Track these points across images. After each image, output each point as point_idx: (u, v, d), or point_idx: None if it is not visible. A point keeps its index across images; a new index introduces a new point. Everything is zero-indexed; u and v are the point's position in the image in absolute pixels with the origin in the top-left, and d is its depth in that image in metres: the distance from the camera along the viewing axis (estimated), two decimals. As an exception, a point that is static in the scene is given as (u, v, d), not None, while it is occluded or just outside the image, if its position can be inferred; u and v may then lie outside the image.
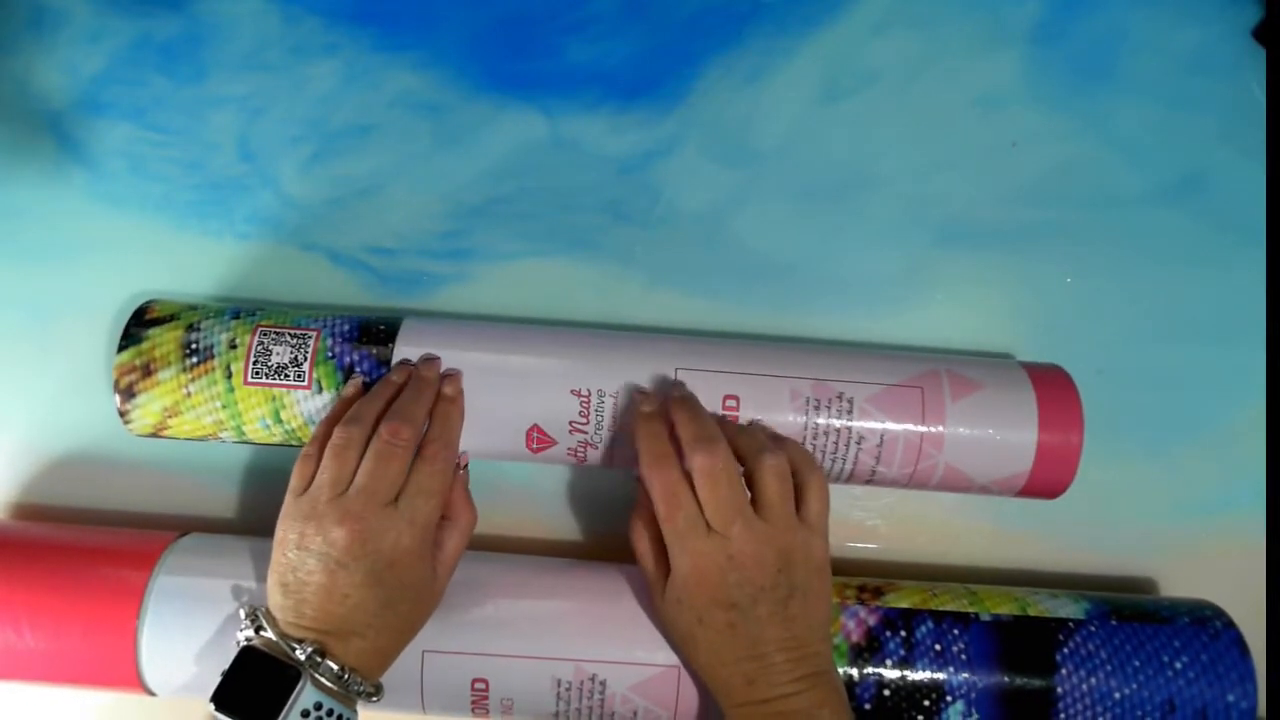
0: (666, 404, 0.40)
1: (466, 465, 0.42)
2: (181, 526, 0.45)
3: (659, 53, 0.48)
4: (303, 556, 0.36)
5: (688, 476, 0.37)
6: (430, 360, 0.41)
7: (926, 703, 0.40)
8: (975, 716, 0.40)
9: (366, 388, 0.41)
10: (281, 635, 0.35)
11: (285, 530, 0.37)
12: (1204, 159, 0.47)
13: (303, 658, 0.35)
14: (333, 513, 0.36)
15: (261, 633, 0.36)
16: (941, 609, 0.42)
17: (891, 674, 0.40)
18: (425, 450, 0.39)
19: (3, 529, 0.46)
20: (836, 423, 0.41)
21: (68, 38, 0.48)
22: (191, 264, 0.48)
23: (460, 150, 0.48)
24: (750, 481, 0.38)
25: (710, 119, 0.48)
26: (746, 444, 0.38)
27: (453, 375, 0.41)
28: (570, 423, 0.41)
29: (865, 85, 0.48)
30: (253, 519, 0.49)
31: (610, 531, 0.48)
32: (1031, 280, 0.48)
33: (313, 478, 0.38)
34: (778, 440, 0.40)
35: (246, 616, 0.36)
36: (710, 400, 0.41)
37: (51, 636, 0.41)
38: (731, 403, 0.41)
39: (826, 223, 0.48)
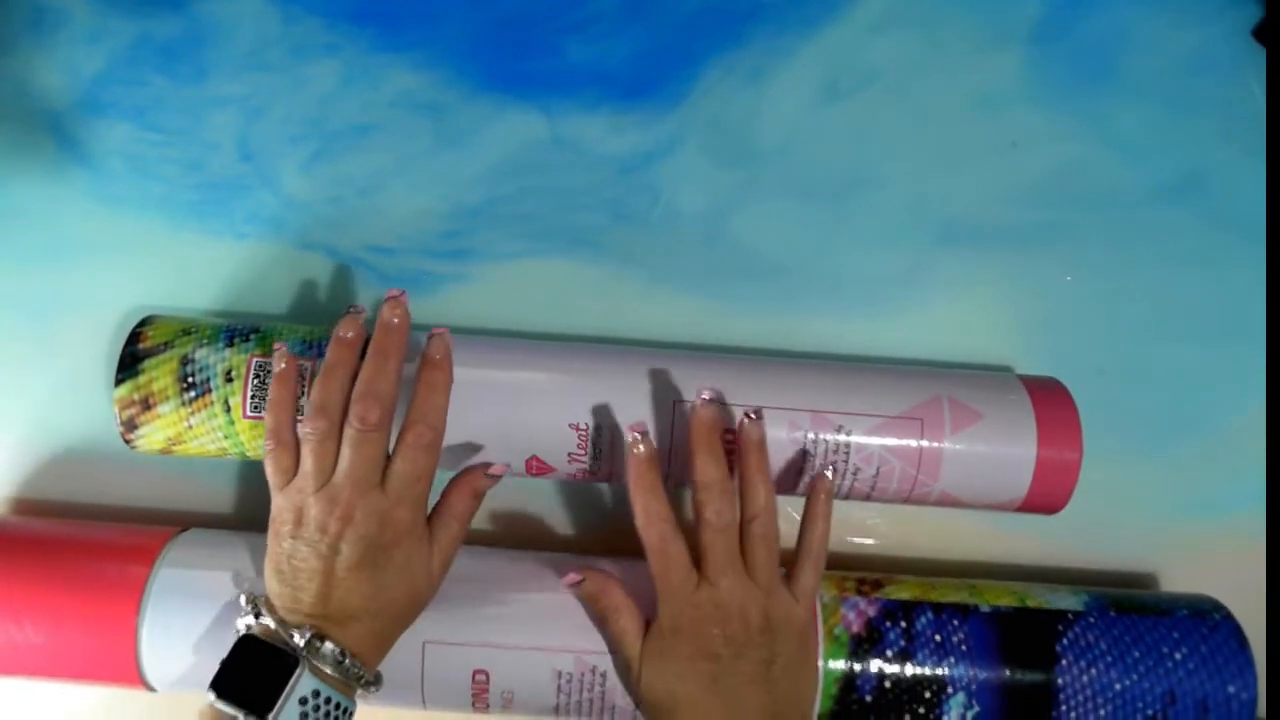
0: (688, 418, 0.38)
1: (498, 475, 0.40)
2: (182, 522, 0.45)
3: (659, 53, 0.48)
4: (296, 545, 0.36)
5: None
6: (393, 301, 0.39)
7: (928, 694, 0.40)
8: (976, 708, 0.40)
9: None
10: (280, 621, 0.36)
11: (277, 522, 0.37)
12: (1204, 159, 0.47)
13: (301, 643, 0.35)
14: (320, 502, 0.36)
15: (260, 619, 0.36)
16: (941, 600, 0.42)
17: (892, 666, 0.40)
18: (409, 434, 0.37)
19: (3, 524, 0.46)
20: (833, 455, 0.40)
21: (68, 38, 0.48)
22: (192, 264, 0.48)
23: (460, 150, 0.48)
24: (739, 538, 0.37)
25: (710, 119, 0.48)
26: (748, 503, 0.37)
27: (439, 334, 0.39)
28: (569, 454, 0.41)
29: (865, 85, 0.48)
30: (254, 514, 0.48)
31: (607, 530, 0.48)
32: (1031, 280, 0.48)
33: (290, 470, 0.37)
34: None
35: (247, 602, 0.37)
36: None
37: (52, 632, 0.41)
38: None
39: (826, 223, 0.48)
